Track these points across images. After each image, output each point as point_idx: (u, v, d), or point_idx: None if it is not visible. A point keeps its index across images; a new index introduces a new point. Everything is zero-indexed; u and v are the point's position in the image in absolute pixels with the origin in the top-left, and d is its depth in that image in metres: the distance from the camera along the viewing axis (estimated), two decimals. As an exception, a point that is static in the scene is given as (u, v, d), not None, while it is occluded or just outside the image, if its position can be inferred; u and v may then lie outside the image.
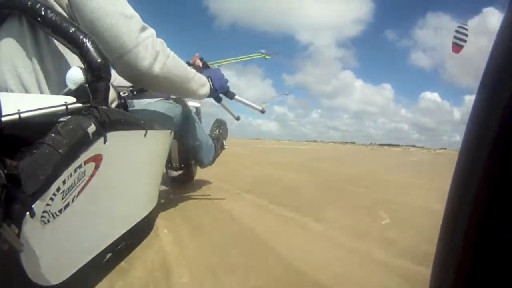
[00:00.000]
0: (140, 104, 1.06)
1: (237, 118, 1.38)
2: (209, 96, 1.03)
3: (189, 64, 1.14)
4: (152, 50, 0.75)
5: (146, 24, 0.75)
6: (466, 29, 6.00)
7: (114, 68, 0.76)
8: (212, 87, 1.01)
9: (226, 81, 1.11)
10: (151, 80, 0.79)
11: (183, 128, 1.17)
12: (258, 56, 1.40)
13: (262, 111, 1.28)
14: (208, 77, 1.00)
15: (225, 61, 1.32)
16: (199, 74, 0.94)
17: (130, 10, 0.73)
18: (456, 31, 5.98)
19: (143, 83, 0.83)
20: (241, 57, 1.39)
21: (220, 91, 1.08)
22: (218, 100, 1.18)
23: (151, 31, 0.76)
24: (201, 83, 0.95)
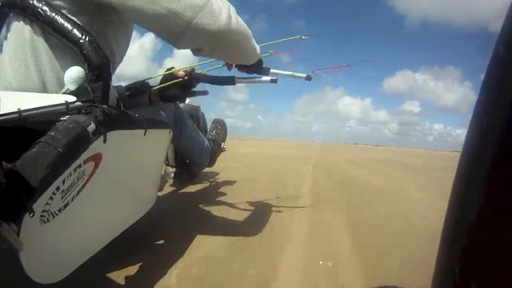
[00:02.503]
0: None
1: (308, 77, 1.14)
2: (254, 66, 0.94)
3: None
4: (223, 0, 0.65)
5: None
6: None
7: (177, 46, 0.66)
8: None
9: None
10: (230, 37, 0.65)
11: (176, 131, 1.17)
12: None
13: (308, 78, 1.11)
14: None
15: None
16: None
17: None
18: None
19: (219, 43, 0.68)
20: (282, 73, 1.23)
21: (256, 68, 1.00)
22: (266, 73, 1.06)
23: None
24: (255, 44, 0.83)
